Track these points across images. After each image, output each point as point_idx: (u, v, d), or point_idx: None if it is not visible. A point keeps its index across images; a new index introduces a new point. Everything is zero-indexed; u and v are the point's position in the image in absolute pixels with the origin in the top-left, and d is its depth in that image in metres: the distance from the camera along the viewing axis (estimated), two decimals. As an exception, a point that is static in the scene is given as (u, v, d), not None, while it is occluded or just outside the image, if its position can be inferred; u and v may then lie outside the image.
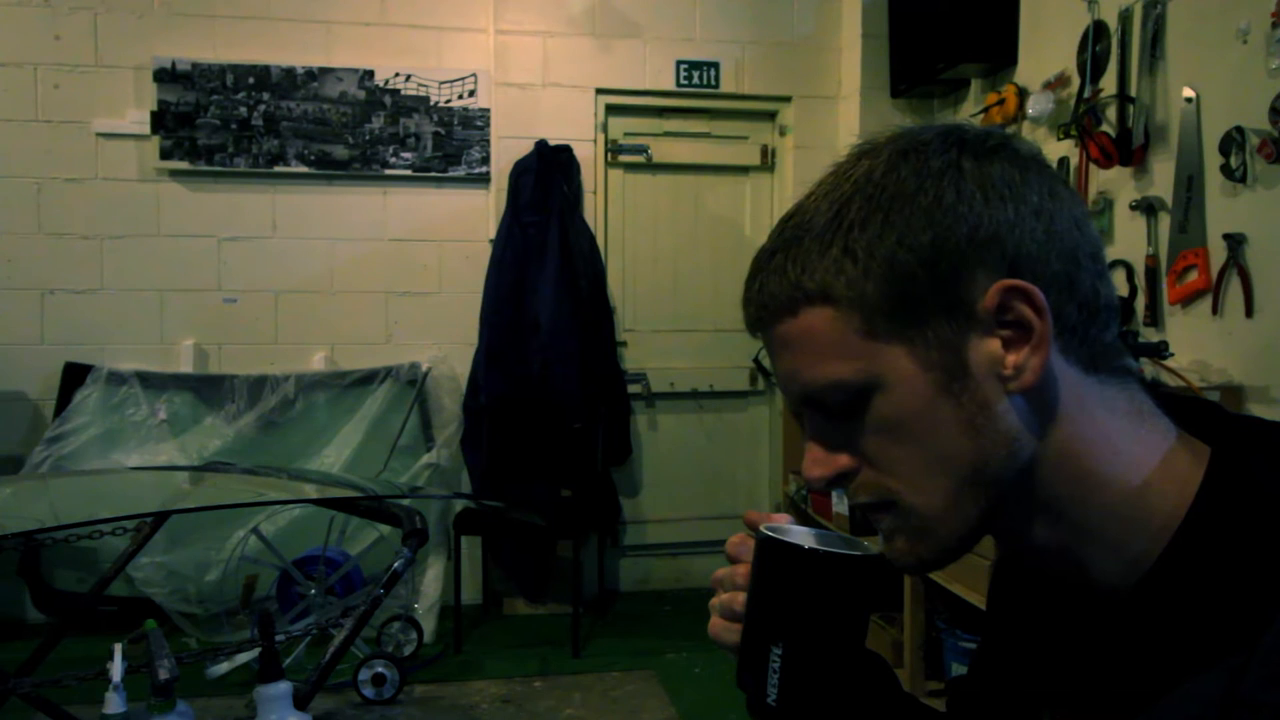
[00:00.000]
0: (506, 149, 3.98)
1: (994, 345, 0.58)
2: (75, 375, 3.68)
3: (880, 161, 0.60)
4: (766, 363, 4.29)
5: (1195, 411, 0.63)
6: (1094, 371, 0.60)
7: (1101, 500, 0.59)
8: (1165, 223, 2.66)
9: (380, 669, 3.00)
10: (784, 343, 0.63)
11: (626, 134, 4.22)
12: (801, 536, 0.69)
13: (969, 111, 3.70)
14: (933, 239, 0.58)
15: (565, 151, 4.00)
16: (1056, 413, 0.59)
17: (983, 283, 0.57)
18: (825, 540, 0.69)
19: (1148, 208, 2.70)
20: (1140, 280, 2.76)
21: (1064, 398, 0.59)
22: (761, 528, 0.69)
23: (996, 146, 0.60)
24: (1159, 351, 2.35)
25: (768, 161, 4.32)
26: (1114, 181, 2.87)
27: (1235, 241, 2.41)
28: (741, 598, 0.70)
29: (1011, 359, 0.58)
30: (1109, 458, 0.59)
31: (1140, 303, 2.75)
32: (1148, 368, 2.39)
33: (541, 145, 3.95)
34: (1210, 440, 0.60)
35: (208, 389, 3.79)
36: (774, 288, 0.62)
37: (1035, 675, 0.67)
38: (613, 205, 4.22)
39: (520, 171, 3.95)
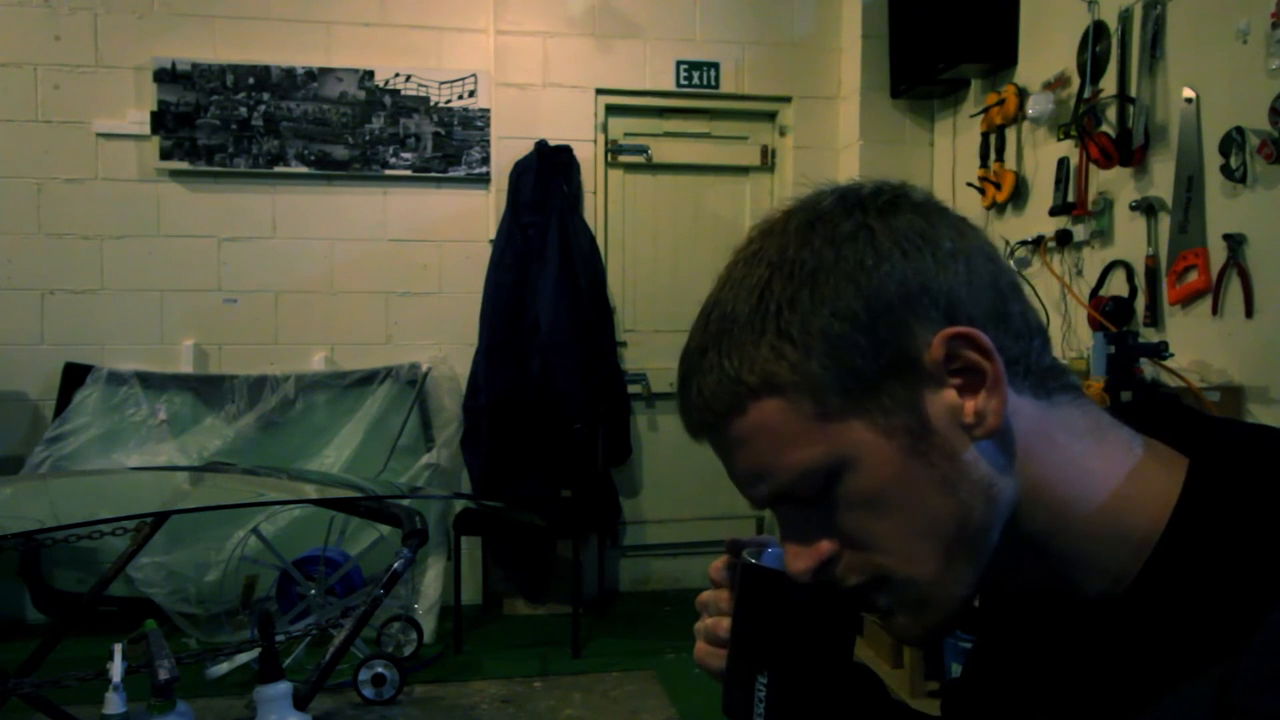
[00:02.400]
0: (506, 149, 3.98)
1: (950, 396, 0.57)
2: (75, 375, 3.68)
3: (789, 238, 0.59)
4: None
5: (1163, 416, 0.63)
6: (1045, 396, 0.60)
7: (1080, 525, 0.59)
8: (1165, 223, 2.66)
9: (380, 669, 3.00)
10: (738, 442, 0.61)
11: (626, 134, 4.22)
12: (778, 560, 0.67)
13: (969, 111, 3.71)
14: (865, 304, 0.56)
15: (565, 152, 4.00)
16: (1022, 447, 0.58)
17: (923, 336, 0.57)
18: None
19: (1148, 208, 2.70)
20: (1140, 280, 2.76)
21: (1025, 430, 0.58)
22: (744, 553, 0.68)
23: (892, 199, 0.60)
24: (1159, 352, 2.35)
25: (768, 162, 4.32)
26: (1114, 182, 2.87)
27: (1235, 242, 2.40)
28: (726, 623, 0.69)
29: (970, 405, 0.57)
30: (1079, 480, 0.59)
31: (1140, 303, 2.75)
32: (1147, 368, 2.40)
33: (541, 145, 3.95)
34: (1187, 447, 0.60)
35: (208, 389, 3.79)
36: (714, 388, 0.60)
37: (1025, 683, 0.66)
38: (613, 205, 4.22)
39: (520, 172, 3.95)
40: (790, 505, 0.62)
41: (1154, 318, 2.69)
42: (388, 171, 3.93)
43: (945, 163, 3.91)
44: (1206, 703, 0.51)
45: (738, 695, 0.67)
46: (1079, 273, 3.03)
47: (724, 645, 0.69)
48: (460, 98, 3.96)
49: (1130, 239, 2.80)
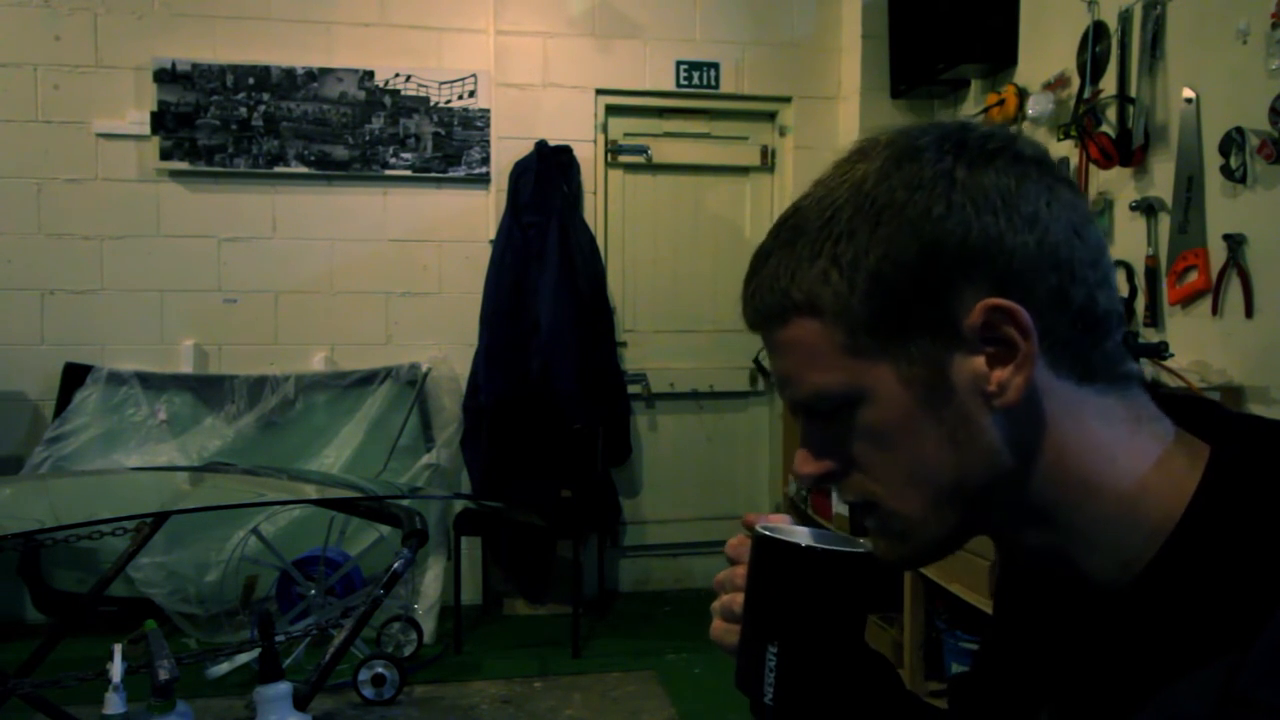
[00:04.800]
0: (506, 149, 3.98)
1: (978, 363, 0.58)
2: (75, 375, 3.68)
3: (874, 167, 0.60)
4: (767, 363, 4.29)
5: (1196, 410, 0.63)
6: (1089, 382, 0.59)
7: (1094, 506, 0.59)
8: (1165, 223, 2.66)
9: (380, 669, 3.00)
10: (777, 348, 0.64)
11: (626, 134, 4.22)
12: (797, 535, 0.69)
13: (969, 112, 3.70)
14: (918, 254, 0.57)
15: (565, 152, 4.01)
16: (1045, 425, 0.59)
17: (969, 300, 0.57)
18: (821, 539, 0.69)
19: (1148, 208, 2.70)
20: (1140, 281, 2.76)
21: (1053, 411, 0.58)
22: (758, 527, 0.69)
23: (996, 150, 0.59)
24: (1159, 352, 2.34)
25: (768, 162, 4.32)
26: (1114, 182, 2.87)
27: (1235, 242, 2.41)
28: (741, 599, 0.70)
29: (996, 376, 0.57)
30: (1102, 466, 0.59)
31: (1140, 303, 2.75)
32: (1147, 368, 2.39)
33: (541, 146, 3.95)
34: (1210, 440, 0.60)
35: (208, 389, 3.79)
36: (765, 295, 0.62)
37: (1035, 672, 0.67)
38: (613, 205, 4.22)
39: (520, 172, 3.95)
40: (809, 416, 0.64)
41: (1154, 318, 2.69)
42: (388, 172, 3.93)
43: (945, 163, 3.90)
44: (1213, 692, 0.50)
45: (749, 666, 0.68)
46: (1079, 273, 3.03)
47: (739, 621, 0.71)
48: (460, 98, 3.96)
49: (1130, 239, 2.80)
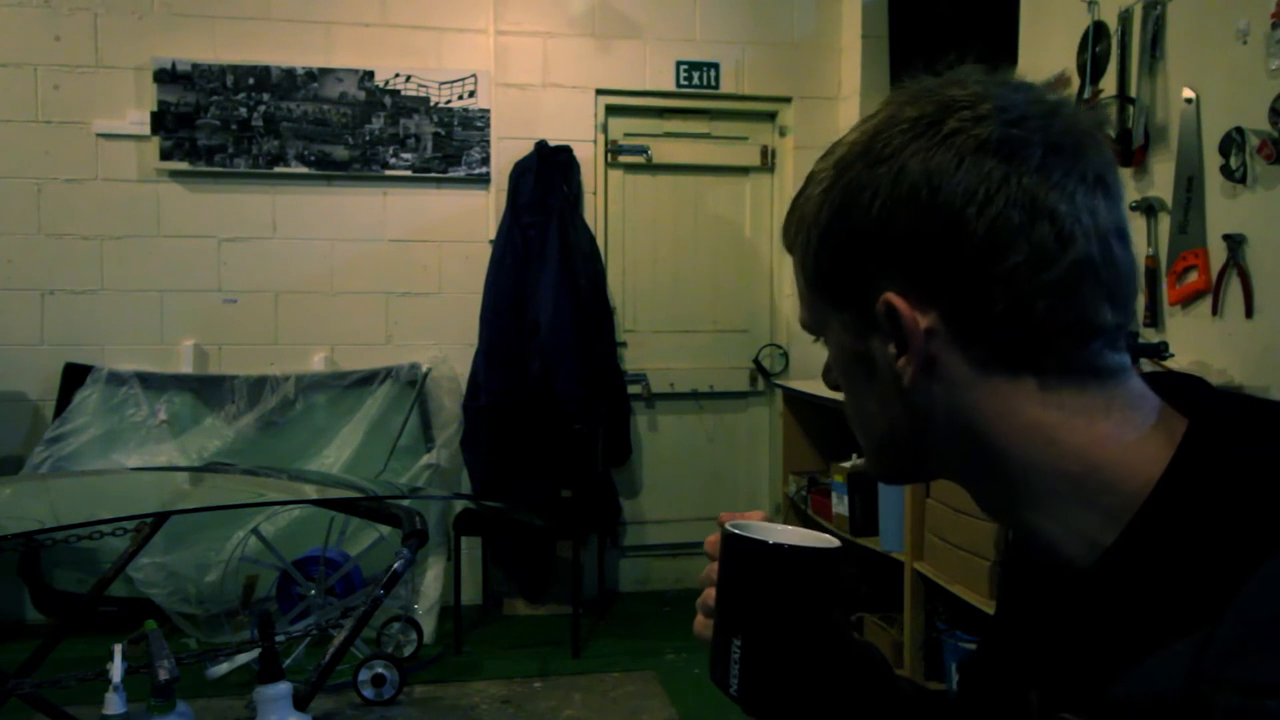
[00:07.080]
0: (506, 149, 3.98)
1: (891, 347, 0.61)
2: (75, 376, 3.68)
3: (863, 133, 0.61)
4: (766, 363, 4.29)
5: (1185, 390, 0.63)
6: (1032, 374, 0.58)
7: (1039, 483, 0.59)
8: (1165, 223, 2.66)
9: (380, 670, 3.00)
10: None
11: (626, 134, 4.22)
12: (762, 531, 0.70)
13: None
14: (845, 235, 0.61)
15: (565, 152, 4.01)
16: (960, 410, 0.60)
17: (882, 288, 0.59)
18: (790, 537, 0.70)
19: (1148, 208, 2.70)
20: (1140, 281, 2.76)
21: (972, 398, 0.59)
22: (727, 525, 0.71)
23: (972, 136, 0.57)
24: (1159, 352, 2.35)
25: (768, 162, 4.33)
26: (1114, 182, 2.87)
27: (1235, 242, 2.41)
28: (714, 593, 0.72)
29: (901, 362, 0.60)
30: (1038, 449, 0.59)
31: (1140, 303, 2.75)
32: (1147, 368, 2.39)
33: (541, 146, 3.95)
34: (1190, 418, 0.59)
35: (208, 389, 3.79)
36: (784, 226, 0.68)
37: (1026, 652, 0.67)
38: (613, 206, 4.22)
39: (520, 172, 3.95)
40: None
41: (1154, 318, 2.69)
42: (388, 172, 3.93)
43: (945, 163, 3.91)
44: (1182, 670, 0.50)
45: (718, 660, 0.70)
46: (1079, 273, 3.03)
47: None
48: (460, 98, 3.96)
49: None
